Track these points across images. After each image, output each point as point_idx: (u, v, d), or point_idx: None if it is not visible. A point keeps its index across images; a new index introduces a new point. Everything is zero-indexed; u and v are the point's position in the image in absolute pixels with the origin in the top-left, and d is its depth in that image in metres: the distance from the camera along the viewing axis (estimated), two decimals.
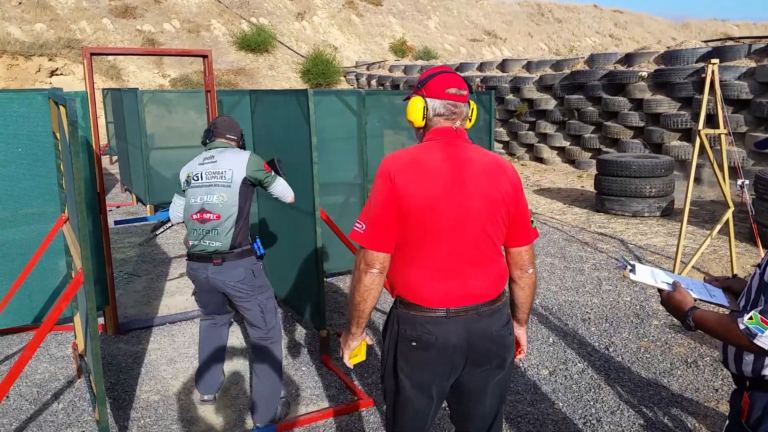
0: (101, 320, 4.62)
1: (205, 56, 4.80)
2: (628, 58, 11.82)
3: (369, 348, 2.23)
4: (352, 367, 2.25)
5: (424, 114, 2.13)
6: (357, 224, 2.07)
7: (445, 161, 2.07)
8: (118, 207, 9.20)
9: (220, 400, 3.58)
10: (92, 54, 4.38)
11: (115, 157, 12.66)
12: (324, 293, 4.01)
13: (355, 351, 2.20)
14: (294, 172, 4.24)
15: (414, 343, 2.07)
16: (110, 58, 17.76)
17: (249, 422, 3.36)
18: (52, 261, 4.22)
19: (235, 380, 3.83)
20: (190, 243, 3.26)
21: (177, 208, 3.44)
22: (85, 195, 4.31)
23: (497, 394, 2.22)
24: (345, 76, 20.53)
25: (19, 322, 4.24)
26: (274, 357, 3.31)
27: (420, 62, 19.35)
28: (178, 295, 5.39)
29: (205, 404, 3.51)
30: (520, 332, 2.34)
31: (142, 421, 3.38)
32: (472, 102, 2.19)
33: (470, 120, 2.20)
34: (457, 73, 2.18)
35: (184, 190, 3.37)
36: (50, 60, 16.93)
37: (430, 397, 2.13)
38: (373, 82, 18.60)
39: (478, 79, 14.00)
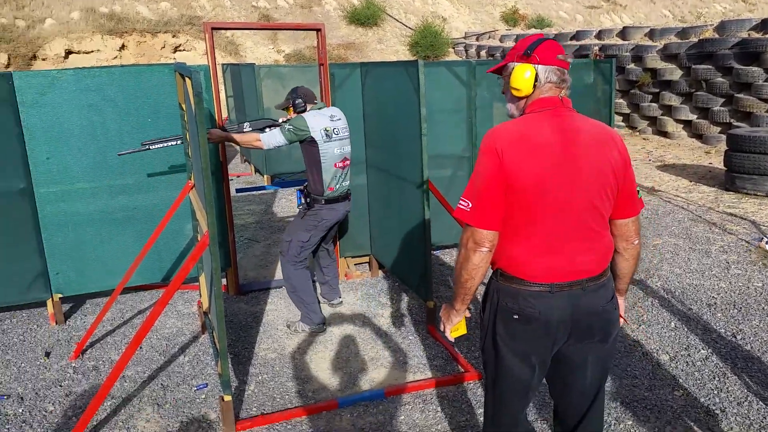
0: (223, 281, 4.91)
1: (318, 30, 4.88)
2: (765, 25, 10.73)
3: (469, 321, 2.23)
4: (453, 340, 2.24)
5: (534, 82, 2.04)
6: (462, 202, 2.02)
7: (553, 134, 1.99)
8: (238, 177, 9.69)
9: (333, 363, 3.71)
10: (213, 29, 4.57)
11: None
12: (431, 265, 4.02)
13: (456, 325, 2.21)
14: (402, 144, 4.25)
15: (516, 316, 2.04)
16: (228, 34, 18.57)
17: (361, 384, 3.46)
18: (179, 224, 4.52)
19: (346, 344, 3.95)
20: (333, 188, 4.05)
21: (275, 141, 3.95)
22: (213, 164, 4.62)
23: (599, 367, 2.16)
24: (454, 48, 20.20)
25: (150, 280, 4.60)
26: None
27: (533, 31, 18.66)
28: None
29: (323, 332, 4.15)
30: (620, 301, 2.30)
31: (260, 377, 3.58)
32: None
33: (569, 89, 2.12)
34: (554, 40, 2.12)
35: (306, 139, 3.94)
36: (174, 36, 17.95)
37: (531, 367, 2.11)
38: (483, 53, 18.17)
39: (596, 48, 13.29)
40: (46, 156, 4.12)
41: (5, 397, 3.40)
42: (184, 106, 3.91)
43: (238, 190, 8.08)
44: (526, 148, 1.96)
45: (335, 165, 4.00)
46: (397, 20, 21.57)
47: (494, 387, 2.19)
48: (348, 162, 4.11)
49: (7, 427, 3.14)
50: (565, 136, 1.99)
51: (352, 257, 5.26)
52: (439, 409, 3.22)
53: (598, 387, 2.20)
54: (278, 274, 5.24)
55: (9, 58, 15.91)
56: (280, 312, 4.49)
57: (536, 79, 2.03)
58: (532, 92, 2.06)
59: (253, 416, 3.18)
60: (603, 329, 2.10)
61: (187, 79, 3.27)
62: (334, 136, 3.99)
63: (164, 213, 4.19)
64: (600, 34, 14.61)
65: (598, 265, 2.06)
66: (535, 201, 1.97)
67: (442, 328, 2.23)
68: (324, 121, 3.98)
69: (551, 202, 1.97)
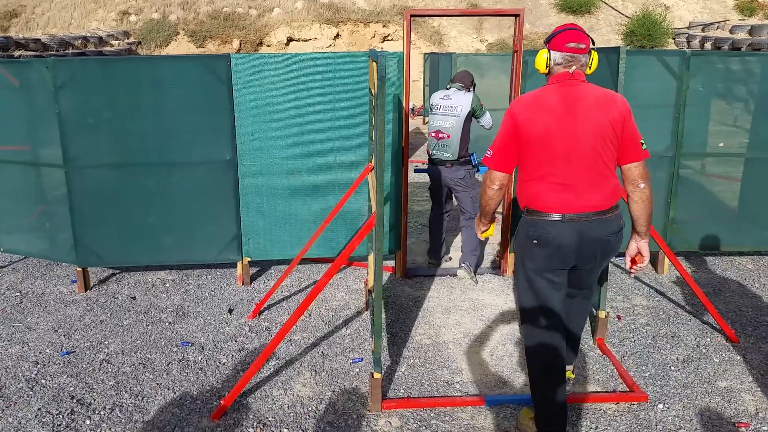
0: (392, 263, 5.05)
1: (517, 15, 4.72)
2: None
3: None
4: (483, 239, 3.20)
5: (547, 63, 2.71)
6: (488, 151, 2.74)
7: (560, 99, 2.61)
8: (423, 164, 9.87)
9: (486, 359, 3.62)
10: (412, 16, 4.66)
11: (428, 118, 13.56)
12: (607, 273, 3.71)
13: (486, 232, 3.03)
14: None
15: (535, 241, 2.66)
16: (435, 23, 18.92)
17: (511, 385, 3.34)
18: (358, 204, 4.73)
19: (503, 342, 3.83)
20: (431, 152, 4.99)
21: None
22: (391, 148, 4.75)
23: (590, 281, 2.90)
24: (674, 39, 18.42)
25: (327, 254, 4.88)
26: (473, 229, 4.87)
27: None
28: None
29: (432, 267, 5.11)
30: (642, 244, 2.75)
31: (412, 360, 3.62)
32: (594, 52, 2.73)
33: (590, 67, 2.74)
34: (580, 29, 2.70)
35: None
36: (384, 26, 18.75)
37: (551, 282, 2.69)
38: (708, 44, 16.31)
39: None
40: (251, 132, 4.55)
41: (190, 344, 3.86)
42: (374, 91, 4.05)
43: (416, 170, 8.17)
44: (536, 110, 2.62)
45: (430, 134, 4.94)
46: (613, 8, 20.22)
47: (528, 299, 2.76)
48: (441, 135, 4.83)
49: (186, 371, 3.55)
50: (570, 101, 2.61)
51: None
52: (593, 426, 2.99)
53: (594, 283, 2.95)
54: (444, 263, 5.25)
55: (240, 44, 17.91)
56: (441, 299, 4.49)
57: (549, 61, 2.71)
58: (549, 71, 2.73)
59: (400, 398, 3.23)
60: (604, 255, 2.71)
61: (374, 63, 3.38)
62: (433, 110, 4.93)
63: (345, 192, 4.41)
64: None
65: (603, 202, 2.60)
66: (544, 149, 2.59)
67: (476, 233, 3.03)
68: (435, 98, 4.96)
69: (557, 149, 2.58)
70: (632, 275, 2.95)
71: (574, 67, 2.66)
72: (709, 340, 3.81)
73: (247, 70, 4.44)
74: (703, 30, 17.77)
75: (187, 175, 4.58)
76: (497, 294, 4.57)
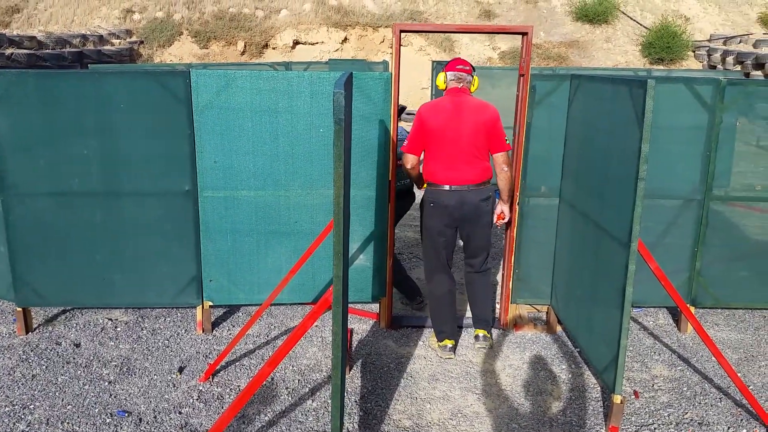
0: (377, 309, 4.43)
1: (524, 33, 4.10)
2: None
3: None
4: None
5: (445, 81, 3.83)
6: (405, 142, 3.84)
7: (451, 104, 3.77)
8: None
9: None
10: (401, 31, 4.05)
11: None
12: (626, 347, 3.06)
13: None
14: (609, 185, 3.34)
15: (432, 204, 3.81)
16: None
17: None
18: None
19: (499, 427, 3.19)
20: None
21: None
22: (377, 183, 4.14)
23: (481, 237, 3.91)
24: (694, 52, 17.68)
25: (301, 299, 4.26)
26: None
27: None
28: (458, 292, 4.93)
29: None
30: (505, 207, 3.99)
31: None
32: (475, 76, 3.89)
33: (473, 85, 3.89)
34: (465, 60, 3.89)
35: None
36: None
37: (445, 231, 3.83)
38: (729, 59, 15.55)
39: None
40: (214, 160, 3.95)
41: (126, 414, 3.26)
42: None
43: None
44: (434, 112, 3.78)
45: None
46: (632, 18, 19.50)
47: (428, 244, 3.92)
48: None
49: None
50: (457, 106, 3.75)
51: (526, 303, 4.43)
52: None
53: (484, 244, 3.94)
54: None
55: (245, 46, 17.35)
56: (428, 361, 3.86)
57: (446, 80, 3.83)
58: (446, 87, 3.84)
59: None
60: (477, 215, 3.80)
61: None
62: None
63: (322, 229, 3.82)
64: None
65: (477, 177, 3.75)
66: (439, 140, 3.72)
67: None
68: None
69: (447, 141, 3.71)
70: (498, 227, 4.09)
71: (461, 84, 3.79)
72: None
73: (210, 89, 3.85)
74: (724, 43, 17.02)
75: (140, 207, 3.98)
76: (493, 355, 3.93)
